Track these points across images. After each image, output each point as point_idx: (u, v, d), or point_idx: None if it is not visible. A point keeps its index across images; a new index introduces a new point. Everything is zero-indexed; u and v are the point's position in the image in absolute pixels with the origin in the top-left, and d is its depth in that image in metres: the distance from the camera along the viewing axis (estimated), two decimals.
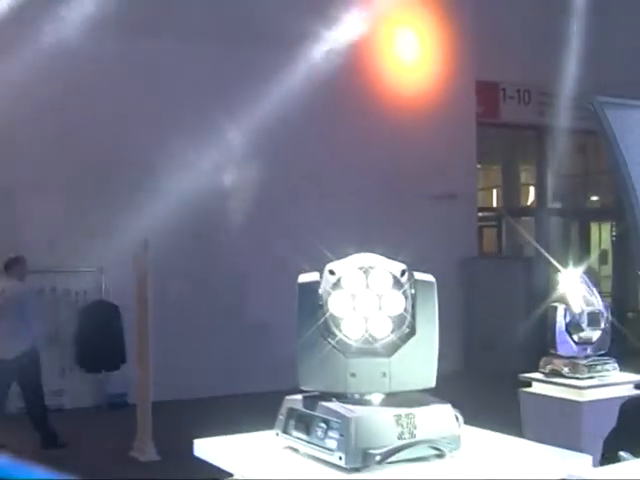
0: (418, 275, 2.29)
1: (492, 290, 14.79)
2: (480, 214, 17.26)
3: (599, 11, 14.25)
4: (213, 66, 12.82)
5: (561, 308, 6.43)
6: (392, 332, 2.26)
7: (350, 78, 13.99)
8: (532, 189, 19.43)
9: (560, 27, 14.50)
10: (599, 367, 6.50)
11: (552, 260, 7.05)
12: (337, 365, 2.27)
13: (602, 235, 18.49)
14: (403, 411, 2.23)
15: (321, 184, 13.37)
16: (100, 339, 11.67)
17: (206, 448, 2.54)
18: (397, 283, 2.27)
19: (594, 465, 2.39)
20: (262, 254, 12.55)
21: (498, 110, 16.73)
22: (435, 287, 2.28)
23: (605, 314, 6.60)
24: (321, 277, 2.32)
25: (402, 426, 2.21)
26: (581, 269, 6.71)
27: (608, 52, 14.79)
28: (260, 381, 11.56)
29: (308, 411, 2.33)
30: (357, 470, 2.15)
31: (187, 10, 12.61)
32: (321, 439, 2.24)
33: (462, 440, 2.32)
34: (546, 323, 6.61)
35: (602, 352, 6.64)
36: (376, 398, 2.30)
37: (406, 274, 2.28)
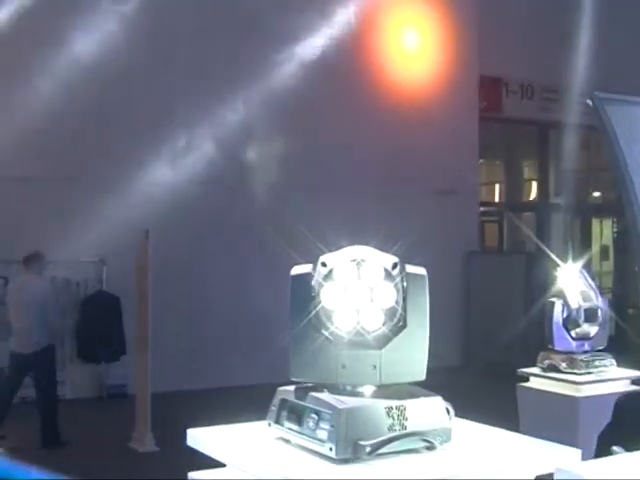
0: (410, 268, 2.30)
1: (493, 285, 14.80)
2: (482, 209, 17.26)
3: (603, 6, 14.24)
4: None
5: (559, 303, 6.45)
6: (383, 324, 2.27)
7: (352, 71, 13.99)
8: (534, 184, 19.42)
9: (564, 22, 14.49)
10: (597, 362, 6.52)
11: (552, 255, 7.05)
12: (328, 357, 2.28)
13: (604, 231, 18.48)
14: (394, 403, 2.24)
15: (320, 178, 13.36)
16: (100, 330, 11.68)
17: (199, 438, 2.55)
18: (389, 276, 2.28)
19: (586, 459, 2.40)
20: (260, 250, 12.54)
21: (501, 105, 16.72)
22: (426, 280, 2.29)
23: (604, 310, 6.61)
24: (314, 270, 2.33)
25: (393, 418, 2.22)
26: (580, 264, 6.72)
27: (612, 48, 14.78)
28: (260, 373, 11.57)
29: (300, 402, 2.34)
30: (347, 461, 2.16)
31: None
32: (312, 430, 2.25)
33: (453, 433, 2.33)
34: (545, 318, 6.63)
35: (601, 348, 6.66)
36: (367, 390, 2.31)
37: (398, 267, 2.29)
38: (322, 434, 2.21)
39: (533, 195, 19.51)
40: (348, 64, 13.88)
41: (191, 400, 10.96)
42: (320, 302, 2.29)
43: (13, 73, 11.50)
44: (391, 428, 2.21)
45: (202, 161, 12.46)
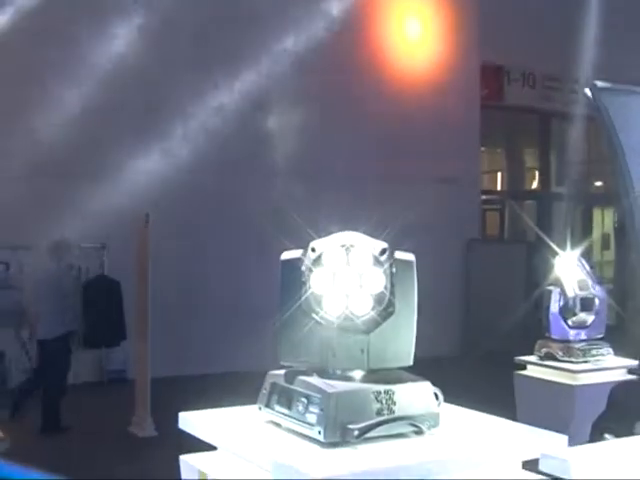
0: (398, 254, 2.32)
1: (493, 273, 14.81)
2: (483, 197, 17.26)
3: None
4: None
5: (555, 292, 6.46)
6: (372, 310, 2.29)
7: (354, 59, 13.98)
8: (536, 173, 19.42)
9: (566, 10, 14.45)
10: (593, 351, 6.54)
11: (552, 244, 7.06)
12: (317, 341, 2.30)
13: (605, 220, 18.49)
14: (382, 388, 2.26)
15: (320, 167, 13.37)
16: (101, 315, 11.71)
17: (190, 421, 2.58)
18: (377, 261, 2.30)
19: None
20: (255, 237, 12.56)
21: (502, 93, 16.70)
22: (414, 266, 2.30)
23: (602, 299, 6.62)
24: (305, 255, 2.36)
25: (381, 402, 2.24)
26: (578, 253, 6.73)
27: (615, 36, 14.73)
28: (261, 359, 11.60)
29: (289, 386, 2.36)
30: (336, 445, 2.18)
31: None
32: (302, 414, 2.27)
33: (441, 418, 2.35)
34: (542, 306, 6.65)
35: (599, 336, 6.68)
36: (356, 374, 2.33)
37: (387, 253, 2.31)
38: (311, 418, 2.23)
39: (535, 184, 19.50)
40: (349, 54, 13.87)
41: (192, 385, 10.98)
42: (310, 287, 2.31)
43: None
44: (379, 412, 2.24)
45: (201, 148, 12.47)
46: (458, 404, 2.62)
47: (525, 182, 19.81)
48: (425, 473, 2.12)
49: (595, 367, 6.45)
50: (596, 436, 4.16)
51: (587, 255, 7.45)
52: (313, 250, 2.33)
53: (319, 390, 2.24)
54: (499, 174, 19.96)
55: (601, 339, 6.67)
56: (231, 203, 12.70)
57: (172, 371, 11.34)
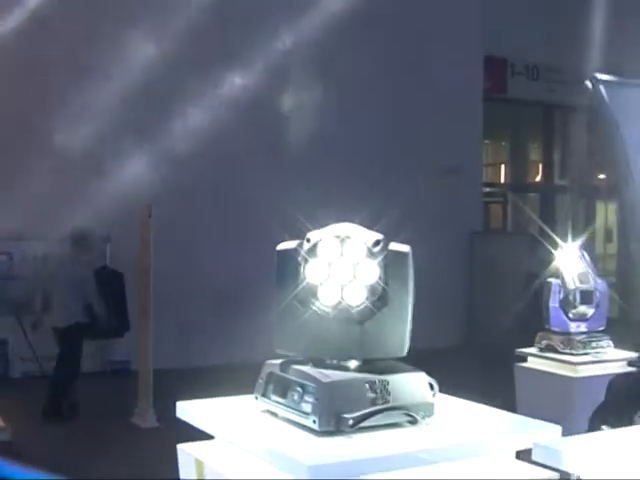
0: (393, 245, 2.33)
1: (495, 265, 14.82)
2: (486, 189, 17.26)
3: None
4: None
5: (556, 284, 6.48)
6: (366, 300, 2.30)
7: (356, 50, 13.95)
8: (539, 166, 19.40)
9: (571, 3, 14.43)
10: (594, 344, 6.56)
11: (554, 236, 7.07)
12: (312, 331, 2.33)
13: (608, 213, 18.48)
14: (377, 377, 2.28)
15: (321, 156, 13.37)
16: (104, 306, 11.71)
17: (187, 410, 2.61)
18: (372, 253, 2.32)
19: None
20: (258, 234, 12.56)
21: (506, 86, 16.68)
22: (409, 257, 2.32)
23: (602, 291, 6.63)
24: (300, 246, 2.38)
25: (376, 392, 2.26)
26: (579, 245, 6.74)
27: (619, 29, 14.70)
28: (264, 350, 11.61)
29: (285, 375, 2.39)
30: (330, 434, 2.21)
31: None
32: (297, 403, 2.29)
33: (436, 408, 2.38)
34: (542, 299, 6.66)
35: (600, 329, 6.69)
36: (351, 364, 2.35)
37: (381, 244, 2.32)
38: (306, 407, 2.26)
39: (538, 176, 19.49)
40: (350, 45, 13.84)
41: (194, 376, 10.99)
42: (305, 277, 2.34)
43: None
44: (374, 402, 2.26)
45: (202, 142, 12.47)
46: (459, 395, 2.64)
47: (528, 175, 19.79)
48: (419, 462, 2.14)
49: (595, 359, 6.47)
50: (594, 427, 4.18)
51: (589, 248, 7.44)
52: (308, 241, 2.35)
53: (314, 379, 2.27)
54: (502, 166, 19.96)
55: (602, 331, 6.69)
56: (231, 197, 12.71)
57: (176, 363, 11.37)
